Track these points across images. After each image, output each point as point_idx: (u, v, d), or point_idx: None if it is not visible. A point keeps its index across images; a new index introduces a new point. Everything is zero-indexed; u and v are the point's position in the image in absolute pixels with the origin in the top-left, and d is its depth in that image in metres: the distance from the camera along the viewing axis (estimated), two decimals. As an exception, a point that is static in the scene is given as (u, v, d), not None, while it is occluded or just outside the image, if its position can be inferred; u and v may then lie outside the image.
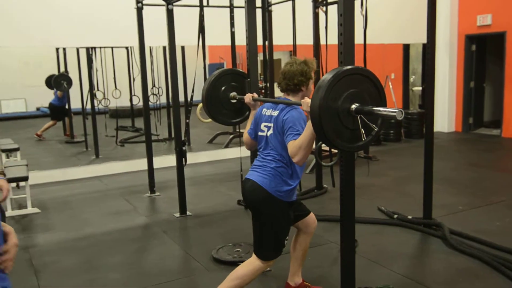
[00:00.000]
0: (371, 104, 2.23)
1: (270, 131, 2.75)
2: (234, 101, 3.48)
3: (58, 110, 9.92)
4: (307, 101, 2.45)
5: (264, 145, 2.81)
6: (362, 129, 2.24)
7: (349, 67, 2.27)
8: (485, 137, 9.16)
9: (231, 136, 8.69)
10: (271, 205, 2.71)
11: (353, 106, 2.21)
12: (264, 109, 2.87)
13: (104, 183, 6.56)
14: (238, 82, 3.52)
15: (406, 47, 10.53)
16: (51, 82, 9.68)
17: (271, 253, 2.78)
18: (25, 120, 13.37)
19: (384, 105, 2.30)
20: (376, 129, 2.29)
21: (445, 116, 9.74)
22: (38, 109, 14.48)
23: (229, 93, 3.47)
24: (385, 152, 8.05)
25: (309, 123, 2.43)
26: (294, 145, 2.51)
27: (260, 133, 2.85)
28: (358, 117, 2.23)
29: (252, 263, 2.79)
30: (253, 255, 2.82)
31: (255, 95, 3.12)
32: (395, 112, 2.08)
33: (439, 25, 8.78)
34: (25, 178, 5.18)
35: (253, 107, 3.07)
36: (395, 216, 4.57)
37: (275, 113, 2.73)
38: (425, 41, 4.20)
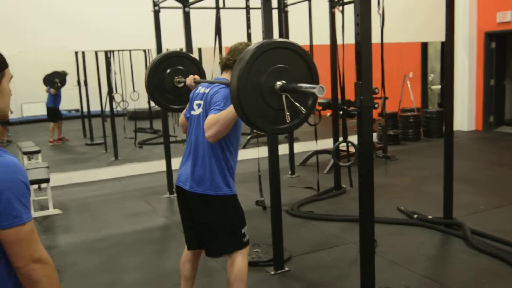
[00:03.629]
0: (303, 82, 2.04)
1: (201, 109, 2.58)
2: (180, 85, 3.28)
3: (51, 112, 10.00)
4: None
5: (193, 128, 2.63)
6: (287, 110, 2.03)
7: (278, 39, 2.13)
8: (506, 136, 9.00)
9: (249, 137, 8.70)
10: None
11: (278, 83, 2.01)
12: (199, 87, 2.71)
13: (123, 185, 6.63)
14: (186, 66, 3.33)
15: (424, 46, 10.42)
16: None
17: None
18: (45, 123, 13.55)
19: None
20: (303, 111, 2.08)
21: (465, 115, 9.60)
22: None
23: (175, 77, 3.29)
24: (404, 151, 7.97)
25: None
26: (211, 118, 2.35)
27: (192, 112, 2.67)
28: (284, 96, 2.03)
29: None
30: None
31: (197, 77, 2.95)
32: (314, 88, 1.90)
33: (458, 23, 8.66)
34: (47, 180, 5.26)
35: (194, 88, 2.88)
36: (415, 216, 4.52)
37: (208, 90, 2.58)
38: (443, 39, 4.15)
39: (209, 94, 2.52)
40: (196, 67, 3.34)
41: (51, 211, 5.33)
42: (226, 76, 2.62)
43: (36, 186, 6.00)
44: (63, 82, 9.38)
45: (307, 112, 2.11)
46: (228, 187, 2.58)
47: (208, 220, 2.61)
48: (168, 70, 3.27)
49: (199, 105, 2.60)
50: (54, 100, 9.84)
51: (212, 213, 2.59)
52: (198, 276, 3.62)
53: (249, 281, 3.40)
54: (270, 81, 2.01)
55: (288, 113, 2.04)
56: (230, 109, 2.25)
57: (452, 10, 4.02)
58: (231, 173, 2.63)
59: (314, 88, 1.90)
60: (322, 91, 1.88)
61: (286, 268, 3.60)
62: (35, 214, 5.26)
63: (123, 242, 4.43)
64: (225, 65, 2.65)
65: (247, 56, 1.97)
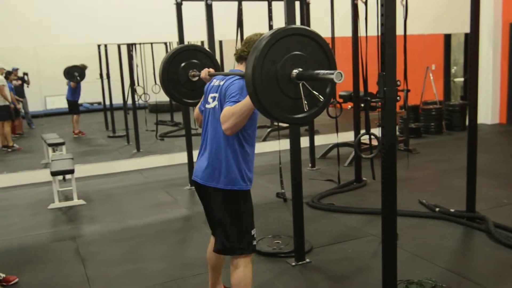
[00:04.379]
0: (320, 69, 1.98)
1: (216, 102, 2.53)
2: (195, 79, 3.25)
3: (70, 105, 10.18)
4: None
5: (209, 121, 2.59)
6: (304, 99, 1.99)
7: (292, 26, 2.08)
8: (531, 129, 8.85)
9: (269, 129, 8.71)
10: None
11: (295, 71, 1.96)
12: (214, 80, 2.66)
13: (145, 176, 6.71)
14: (200, 60, 3.28)
15: (447, 37, 10.26)
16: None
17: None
18: (69, 116, 13.80)
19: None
20: (321, 99, 2.02)
21: (489, 108, 9.44)
22: (81, 105, 14.90)
23: (189, 70, 3.25)
24: (426, 144, 7.90)
25: None
26: (227, 110, 2.30)
27: (207, 106, 2.62)
28: (301, 84, 1.98)
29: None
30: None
31: (212, 70, 2.90)
32: (332, 73, 1.84)
33: (482, 14, 8.43)
34: (71, 171, 5.37)
35: (208, 81, 2.81)
36: (437, 209, 4.49)
37: (222, 82, 2.52)
38: (467, 31, 4.09)
39: (224, 86, 2.47)
40: (210, 60, 3.31)
41: (76, 201, 5.44)
42: (241, 67, 2.55)
43: (60, 177, 6.12)
44: (82, 75, 9.58)
45: (325, 100, 2.05)
46: (243, 181, 2.53)
47: (219, 215, 2.58)
48: (183, 64, 3.24)
49: (214, 98, 2.56)
50: (73, 93, 10.04)
51: (223, 208, 2.55)
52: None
53: (270, 272, 3.46)
54: (286, 69, 1.96)
55: (305, 102, 1.99)
56: (246, 100, 2.20)
57: (477, 0, 3.96)
58: (249, 166, 2.57)
59: (332, 74, 1.84)
60: (340, 76, 1.83)
61: (307, 260, 3.62)
62: (60, 204, 5.38)
63: (146, 232, 4.50)
64: (240, 57, 2.58)
65: (262, 44, 1.91)
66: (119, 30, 6.45)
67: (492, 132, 8.77)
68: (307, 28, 2.08)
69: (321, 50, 2.05)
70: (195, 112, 2.83)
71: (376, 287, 2.97)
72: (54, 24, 6.11)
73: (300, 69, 1.97)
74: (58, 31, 6.17)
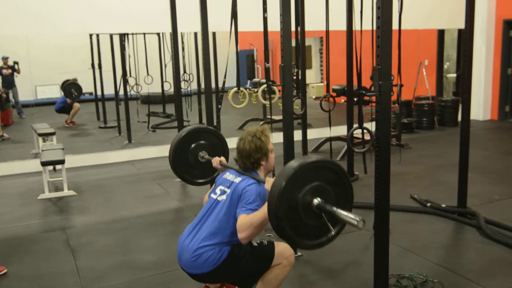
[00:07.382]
0: (336, 203, 2.10)
1: (224, 197, 2.47)
2: (204, 160, 3.38)
3: (62, 110, 10.28)
4: (271, 181, 2.22)
5: (210, 212, 2.50)
6: (328, 221, 2.10)
7: (318, 158, 2.16)
8: (522, 126, 8.90)
9: (262, 122, 8.69)
10: None
11: (316, 201, 2.07)
12: (227, 173, 2.62)
13: (136, 167, 6.68)
14: (208, 140, 3.46)
15: (441, 33, 10.27)
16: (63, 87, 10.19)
17: None
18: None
19: (349, 208, 2.19)
20: (333, 233, 2.13)
21: (480, 104, 9.49)
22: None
23: (199, 151, 3.40)
24: (418, 140, 7.92)
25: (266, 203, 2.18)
26: (245, 219, 2.27)
27: (212, 195, 2.55)
28: (320, 213, 2.09)
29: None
30: None
31: (223, 159, 2.93)
32: (356, 220, 1.94)
33: (476, 10, 8.48)
34: (62, 162, 5.32)
35: (221, 171, 2.84)
36: (428, 204, 4.51)
37: (237, 180, 2.48)
38: (461, 27, 4.09)
39: (239, 186, 2.43)
40: (219, 141, 3.52)
41: (66, 192, 5.40)
42: (259, 172, 2.56)
43: (51, 167, 6.06)
44: (79, 92, 9.85)
45: (334, 235, 2.16)
46: (230, 246, 2.44)
47: (230, 277, 2.54)
48: (192, 146, 3.40)
49: (223, 192, 2.49)
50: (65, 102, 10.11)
51: (233, 271, 2.47)
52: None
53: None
54: (306, 197, 2.07)
55: (329, 224, 2.10)
56: (264, 211, 2.19)
57: (472, -4, 3.95)
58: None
59: (355, 220, 1.94)
60: (362, 223, 1.93)
61: (299, 253, 3.61)
62: (50, 195, 5.33)
63: (137, 223, 4.48)
64: (244, 168, 2.56)
65: (289, 172, 2.04)
66: (112, 20, 6.38)
67: (484, 128, 8.82)
68: (333, 162, 2.22)
69: (342, 183, 2.19)
70: (205, 198, 2.70)
71: (367, 281, 2.97)
72: (46, 13, 6.01)
73: (320, 199, 2.08)
74: (51, 19, 6.08)
